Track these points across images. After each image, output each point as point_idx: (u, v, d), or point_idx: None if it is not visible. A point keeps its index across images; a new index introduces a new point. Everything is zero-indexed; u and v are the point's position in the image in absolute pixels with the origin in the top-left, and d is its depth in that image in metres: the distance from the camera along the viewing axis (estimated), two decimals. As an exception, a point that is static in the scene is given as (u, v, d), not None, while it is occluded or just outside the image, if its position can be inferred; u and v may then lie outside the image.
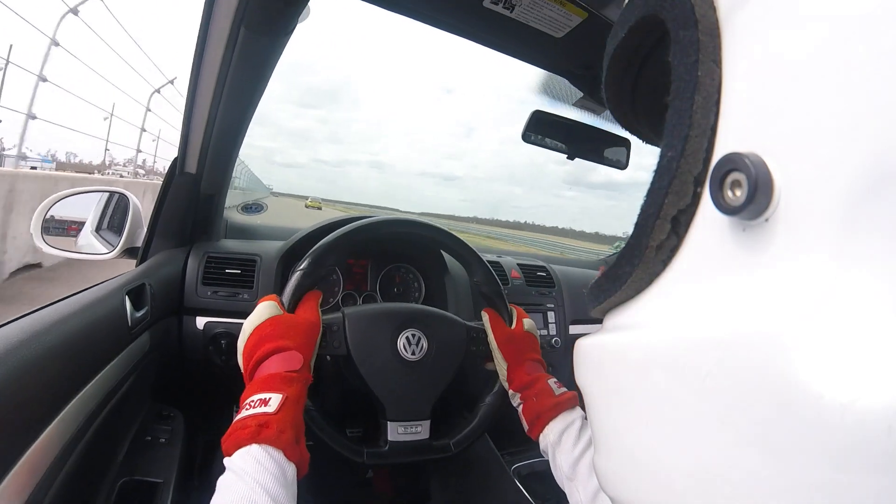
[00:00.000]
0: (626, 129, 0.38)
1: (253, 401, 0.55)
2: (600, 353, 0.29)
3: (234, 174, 1.17)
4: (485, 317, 0.84)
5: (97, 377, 0.65)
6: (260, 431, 0.50)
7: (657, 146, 0.26)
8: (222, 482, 0.47)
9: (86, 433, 0.62)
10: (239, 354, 0.64)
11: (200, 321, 1.03)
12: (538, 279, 1.38)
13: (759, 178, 0.19)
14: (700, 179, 0.23)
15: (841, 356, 0.17)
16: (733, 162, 0.20)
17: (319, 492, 1.04)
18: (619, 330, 0.28)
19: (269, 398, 0.55)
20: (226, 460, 0.49)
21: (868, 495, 0.16)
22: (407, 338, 0.78)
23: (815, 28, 0.19)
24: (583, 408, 0.71)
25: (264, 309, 0.66)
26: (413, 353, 0.77)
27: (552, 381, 0.75)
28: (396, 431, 0.75)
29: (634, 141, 1.21)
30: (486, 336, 0.83)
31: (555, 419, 0.70)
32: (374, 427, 0.78)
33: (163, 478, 0.81)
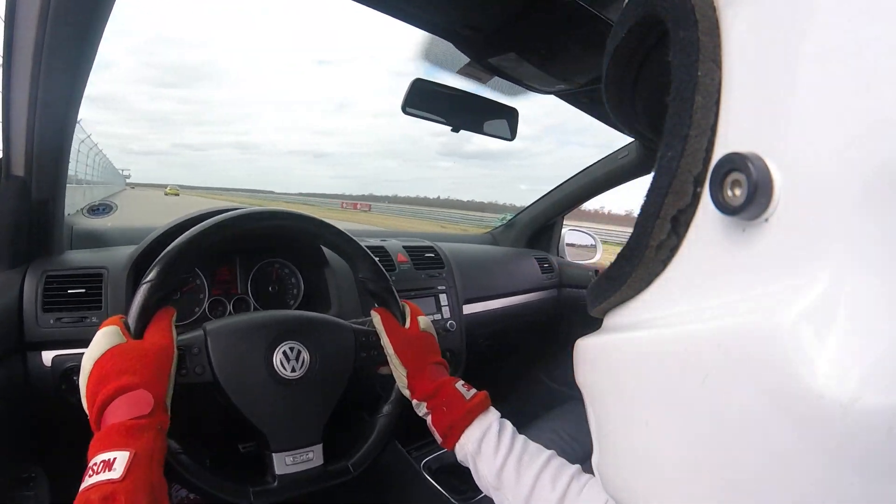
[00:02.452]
0: (626, 128, 0.38)
1: (96, 463, 0.45)
2: (601, 352, 0.30)
3: (84, 167, 0.90)
4: (375, 317, 0.75)
5: None
6: None
7: (657, 146, 0.26)
8: None
9: None
10: (82, 398, 0.53)
11: (47, 356, 0.83)
12: (427, 261, 1.29)
13: (759, 178, 0.19)
14: (700, 179, 0.23)
15: (841, 356, 0.17)
16: (733, 162, 0.21)
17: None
18: (619, 330, 0.28)
19: (114, 458, 0.45)
20: None
21: (868, 495, 0.16)
22: (284, 352, 0.66)
23: (815, 28, 0.19)
24: (504, 410, 0.69)
25: (103, 337, 0.54)
26: (293, 370, 0.66)
27: (459, 385, 0.69)
28: (284, 463, 0.65)
29: (522, 110, 1.17)
30: (379, 339, 0.74)
31: (469, 427, 0.64)
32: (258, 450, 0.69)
33: None
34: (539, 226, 1.76)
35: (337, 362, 0.71)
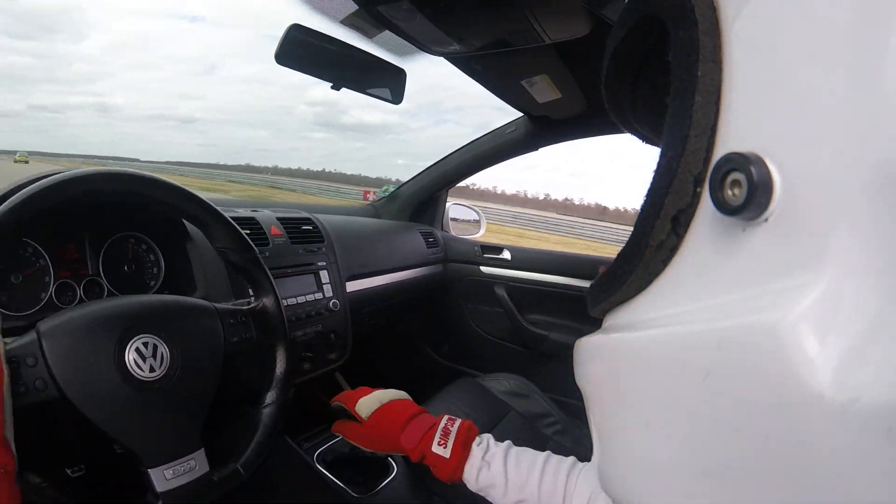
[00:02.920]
0: (626, 128, 0.38)
1: None
2: (600, 353, 0.30)
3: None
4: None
5: None
6: None
7: (657, 146, 0.26)
8: None
9: None
10: None
11: None
12: (304, 234, 1.16)
13: (759, 178, 0.19)
14: (700, 179, 0.23)
15: (841, 356, 0.17)
16: (733, 162, 0.21)
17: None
18: (618, 330, 0.29)
19: None
20: None
21: (868, 495, 0.16)
22: (137, 349, 0.56)
23: (816, 28, 0.19)
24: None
25: None
26: (152, 370, 0.56)
27: (436, 447, 0.65)
28: (164, 478, 0.56)
29: (410, 72, 1.08)
30: (248, 316, 0.69)
31: (463, 476, 0.64)
32: (100, 461, 0.62)
33: None
34: (423, 199, 1.71)
35: (204, 353, 0.62)
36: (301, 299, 1.07)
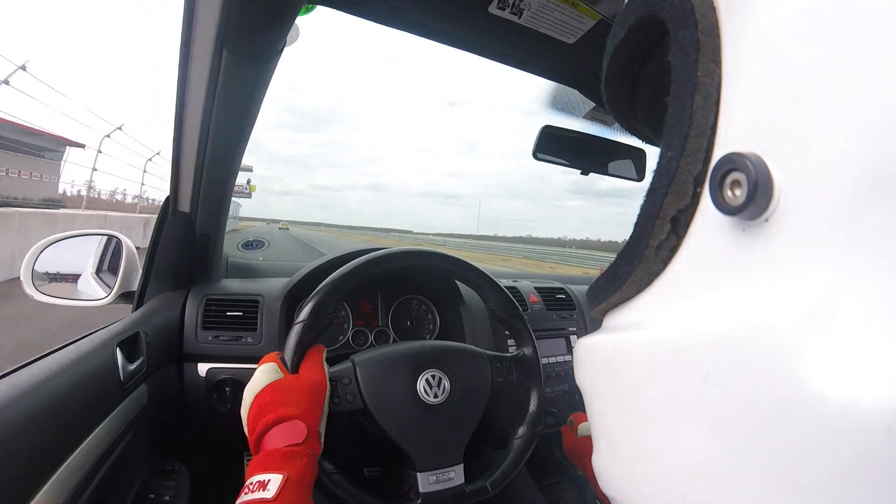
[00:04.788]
0: (626, 128, 0.38)
1: (252, 483, 0.50)
2: (600, 353, 0.30)
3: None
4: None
5: (88, 438, 0.60)
6: None
7: (657, 146, 0.26)
8: None
9: (80, 498, 0.58)
10: (243, 425, 0.60)
11: (202, 368, 0.97)
12: (557, 302, 1.32)
13: (759, 178, 0.19)
14: (700, 179, 0.23)
15: (841, 356, 0.17)
16: (733, 162, 0.20)
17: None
18: (618, 330, 0.28)
19: (268, 480, 0.50)
20: None
21: (869, 495, 0.16)
22: (427, 380, 0.72)
23: (816, 28, 0.19)
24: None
25: (263, 374, 0.61)
26: (436, 396, 0.71)
27: None
28: (428, 482, 0.69)
29: (649, 151, 1.15)
30: (512, 362, 0.80)
31: None
32: (393, 467, 0.76)
33: None
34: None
35: (476, 388, 0.76)
36: (552, 359, 1.19)
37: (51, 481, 0.51)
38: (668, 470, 0.23)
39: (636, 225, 0.26)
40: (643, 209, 0.26)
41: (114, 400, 0.69)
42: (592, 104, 1.00)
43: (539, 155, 1.10)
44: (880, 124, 0.17)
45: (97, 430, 0.63)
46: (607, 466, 0.28)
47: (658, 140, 0.26)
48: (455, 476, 0.71)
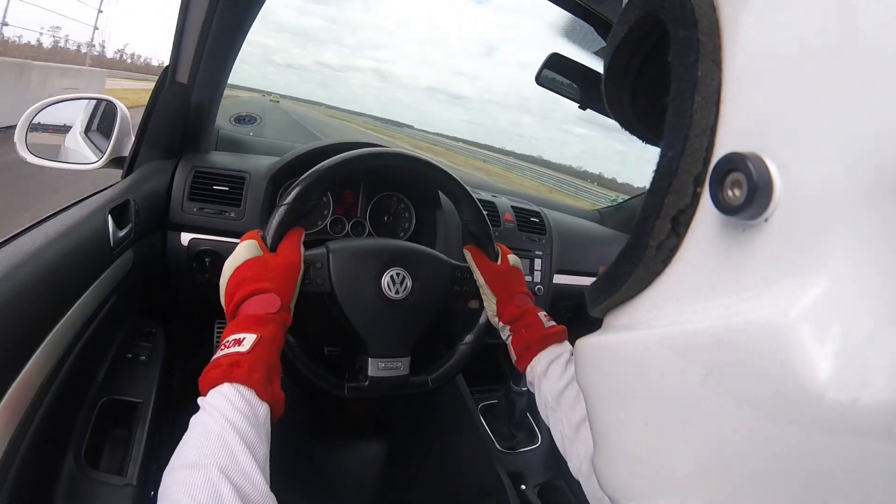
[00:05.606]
0: (626, 128, 0.38)
1: (228, 341, 0.55)
2: (601, 352, 0.30)
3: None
4: (467, 254, 0.85)
5: (78, 301, 0.64)
6: (231, 371, 0.51)
7: (657, 146, 0.26)
8: (194, 420, 0.48)
9: (68, 358, 0.62)
10: (221, 294, 0.64)
11: (185, 237, 1.00)
12: (531, 224, 1.36)
13: (759, 178, 0.19)
14: (700, 179, 0.23)
15: (841, 356, 0.17)
16: (733, 162, 0.20)
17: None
18: (619, 329, 0.29)
19: (243, 338, 0.55)
20: (199, 399, 0.50)
21: (869, 495, 0.16)
22: (392, 276, 0.77)
23: (816, 28, 0.19)
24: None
25: (244, 249, 0.65)
26: (397, 292, 0.77)
27: (542, 314, 0.77)
28: (377, 367, 0.76)
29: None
30: (472, 275, 0.84)
31: (543, 351, 0.72)
32: (351, 350, 0.80)
33: (142, 398, 0.81)
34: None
35: (434, 291, 0.81)
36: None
37: (46, 340, 0.55)
38: (667, 469, 0.23)
39: (636, 225, 0.26)
40: (643, 209, 0.26)
41: (103, 264, 0.73)
42: (604, 43, 0.99)
43: (542, 80, 1.10)
44: (880, 125, 0.17)
45: (87, 291, 0.67)
46: (607, 466, 0.29)
47: (658, 140, 0.26)
48: (402, 366, 0.77)
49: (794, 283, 0.19)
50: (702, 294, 0.23)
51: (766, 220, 0.20)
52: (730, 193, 0.21)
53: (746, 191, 0.20)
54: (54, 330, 0.57)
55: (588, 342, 0.31)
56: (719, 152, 0.22)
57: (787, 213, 0.19)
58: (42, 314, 0.56)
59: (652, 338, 0.25)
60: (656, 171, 0.25)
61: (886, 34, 0.17)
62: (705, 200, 0.23)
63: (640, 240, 0.26)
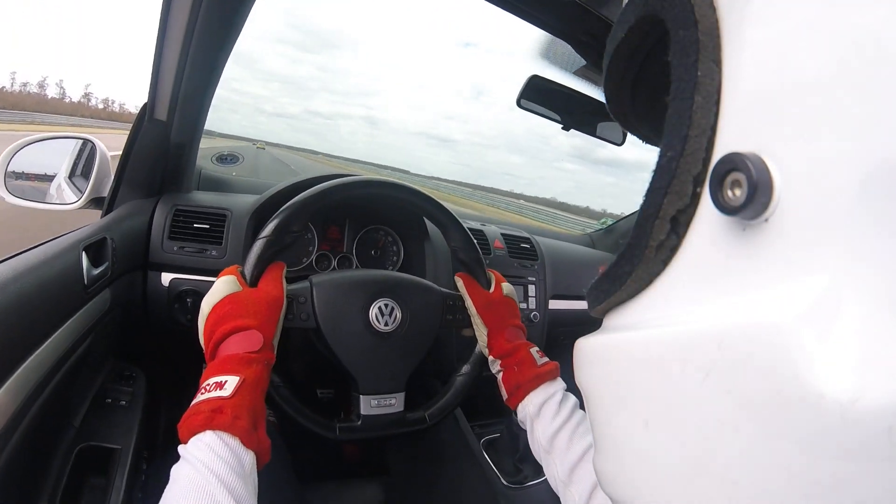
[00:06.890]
0: (626, 128, 0.38)
1: (209, 384, 0.52)
2: (601, 353, 0.30)
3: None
4: (459, 282, 0.81)
5: (50, 339, 0.61)
6: (213, 417, 0.48)
7: (657, 146, 0.26)
8: (175, 471, 0.45)
9: (38, 398, 0.59)
10: (200, 334, 0.61)
11: (166, 277, 0.97)
12: (521, 251, 1.34)
13: (759, 178, 0.19)
14: (700, 179, 0.23)
15: (842, 356, 0.17)
16: (733, 162, 0.20)
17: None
18: (619, 330, 0.29)
19: (225, 381, 0.52)
20: (180, 448, 0.47)
21: (869, 495, 0.16)
22: (379, 308, 0.73)
23: (816, 28, 0.19)
24: (568, 385, 0.70)
25: (222, 285, 0.62)
26: (386, 324, 0.73)
27: (534, 350, 0.73)
28: (369, 405, 0.72)
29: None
30: (464, 302, 0.80)
31: (535, 390, 0.69)
32: (345, 390, 0.76)
33: (121, 444, 0.77)
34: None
35: (425, 322, 0.77)
36: (509, 304, 1.23)
37: (12, 378, 0.52)
38: (667, 470, 0.23)
39: (636, 225, 0.26)
40: (643, 209, 0.26)
41: (77, 303, 0.71)
42: (584, 62, 1.00)
43: (523, 103, 1.09)
44: (881, 124, 0.17)
45: (60, 330, 0.64)
46: (608, 466, 0.29)
47: (658, 140, 0.26)
48: (396, 402, 0.74)
49: (795, 283, 0.19)
50: (702, 294, 0.23)
51: (767, 220, 0.20)
52: (730, 193, 0.21)
53: (746, 191, 0.20)
54: (22, 366, 0.54)
55: (588, 342, 0.31)
56: (719, 152, 0.22)
57: (787, 213, 0.19)
58: (8, 348, 0.53)
59: (652, 338, 0.25)
60: (656, 171, 0.25)
61: (887, 32, 0.17)
62: (705, 200, 0.23)
63: (640, 240, 0.26)
